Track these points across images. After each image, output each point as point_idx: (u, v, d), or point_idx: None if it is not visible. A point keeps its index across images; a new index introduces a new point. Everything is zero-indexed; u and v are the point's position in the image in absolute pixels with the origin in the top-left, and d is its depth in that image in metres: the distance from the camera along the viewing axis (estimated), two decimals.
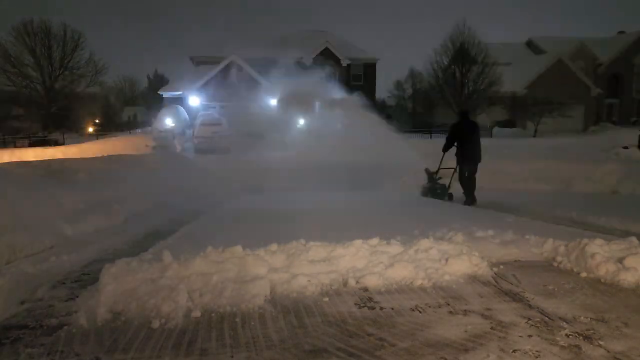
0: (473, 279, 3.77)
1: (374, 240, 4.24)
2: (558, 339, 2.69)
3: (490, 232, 5.05)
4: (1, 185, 5.08)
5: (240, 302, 3.21)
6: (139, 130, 32.86)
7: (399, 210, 7.89)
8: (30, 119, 40.67)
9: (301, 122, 25.44)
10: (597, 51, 41.06)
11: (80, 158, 10.60)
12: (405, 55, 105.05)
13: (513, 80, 34.96)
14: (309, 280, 3.56)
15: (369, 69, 39.83)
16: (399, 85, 58.73)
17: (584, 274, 3.84)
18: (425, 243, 4.19)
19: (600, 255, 3.87)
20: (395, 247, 4.15)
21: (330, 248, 4.02)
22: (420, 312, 3.13)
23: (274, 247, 4.01)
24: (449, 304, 3.25)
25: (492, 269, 3.99)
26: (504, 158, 12.14)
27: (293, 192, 11.77)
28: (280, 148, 20.90)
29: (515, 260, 4.32)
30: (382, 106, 58.36)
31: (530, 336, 2.72)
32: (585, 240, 4.12)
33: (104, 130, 35.54)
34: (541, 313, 3.08)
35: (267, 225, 6.26)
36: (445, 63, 33.27)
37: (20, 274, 3.89)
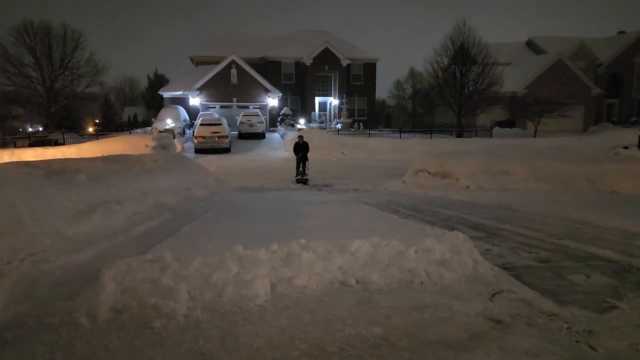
0: (473, 278, 3.77)
1: (374, 239, 4.23)
2: (558, 337, 2.69)
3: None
4: (1, 186, 5.08)
5: (240, 302, 3.22)
6: (139, 130, 32.81)
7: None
8: (30, 119, 40.65)
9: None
10: (597, 51, 41.06)
11: (80, 158, 10.59)
12: (405, 55, 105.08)
13: (513, 80, 34.96)
14: (309, 280, 3.56)
15: (369, 69, 39.82)
16: (399, 85, 58.81)
17: None
18: (425, 242, 4.19)
19: None
20: (395, 246, 4.15)
21: (330, 247, 4.02)
22: (420, 311, 3.13)
23: (274, 246, 4.01)
24: (449, 304, 3.25)
25: (492, 269, 3.99)
26: (504, 158, 12.12)
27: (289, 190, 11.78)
28: None
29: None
30: (382, 106, 58.44)
31: (530, 335, 2.73)
32: None
33: (104, 130, 35.54)
34: (540, 312, 3.08)
35: (268, 224, 6.26)
36: (445, 63, 33.24)
37: (21, 273, 3.89)
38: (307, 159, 15.34)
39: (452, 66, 32.36)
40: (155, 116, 32.62)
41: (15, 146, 28.30)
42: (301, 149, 15.31)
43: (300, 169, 15.21)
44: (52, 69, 32.33)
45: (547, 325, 2.87)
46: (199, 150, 24.42)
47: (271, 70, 37.37)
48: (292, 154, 15.81)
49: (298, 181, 15.01)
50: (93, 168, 8.35)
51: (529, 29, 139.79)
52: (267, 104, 34.67)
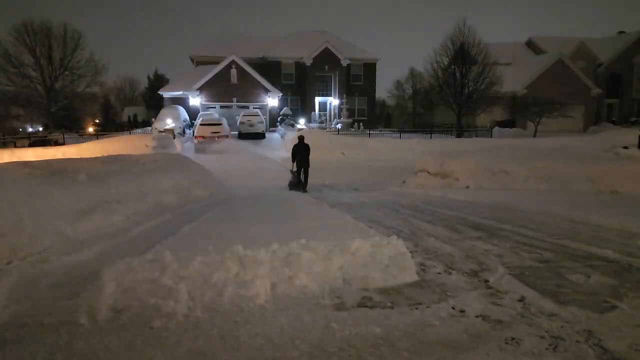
0: (473, 276, 3.77)
1: (375, 239, 4.24)
2: (558, 337, 2.69)
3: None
4: (1, 186, 5.08)
5: (240, 302, 3.21)
6: (139, 131, 32.83)
7: None
8: (30, 119, 40.67)
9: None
10: (597, 51, 41.04)
11: (80, 158, 10.59)
12: (405, 55, 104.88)
13: (513, 80, 34.93)
14: (309, 280, 3.56)
15: (369, 69, 39.81)
16: (399, 85, 58.78)
17: None
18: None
19: None
20: (394, 246, 4.15)
21: (330, 247, 4.02)
22: (420, 310, 3.13)
23: (274, 246, 4.01)
24: (448, 303, 3.25)
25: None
26: (504, 158, 12.12)
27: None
28: None
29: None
30: (382, 106, 58.48)
31: (530, 335, 2.73)
32: None
33: (104, 131, 35.63)
34: (540, 312, 3.08)
35: (268, 224, 6.26)
36: (445, 63, 33.21)
37: (21, 273, 3.89)
38: (308, 164, 12.77)
39: (452, 66, 32.35)
40: (155, 116, 32.62)
41: (15, 146, 28.29)
42: (301, 151, 12.79)
43: (301, 176, 12.72)
44: (52, 69, 32.34)
45: (547, 325, 2.87)
46: (199, 150, 24.42)
47: (271, 70, 37.36)
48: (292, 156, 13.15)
49: (291, 187, 12.61)
50: (93, 168, 8.36)
51: (529, 29, 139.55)
52: (267, 104, 34.66)
